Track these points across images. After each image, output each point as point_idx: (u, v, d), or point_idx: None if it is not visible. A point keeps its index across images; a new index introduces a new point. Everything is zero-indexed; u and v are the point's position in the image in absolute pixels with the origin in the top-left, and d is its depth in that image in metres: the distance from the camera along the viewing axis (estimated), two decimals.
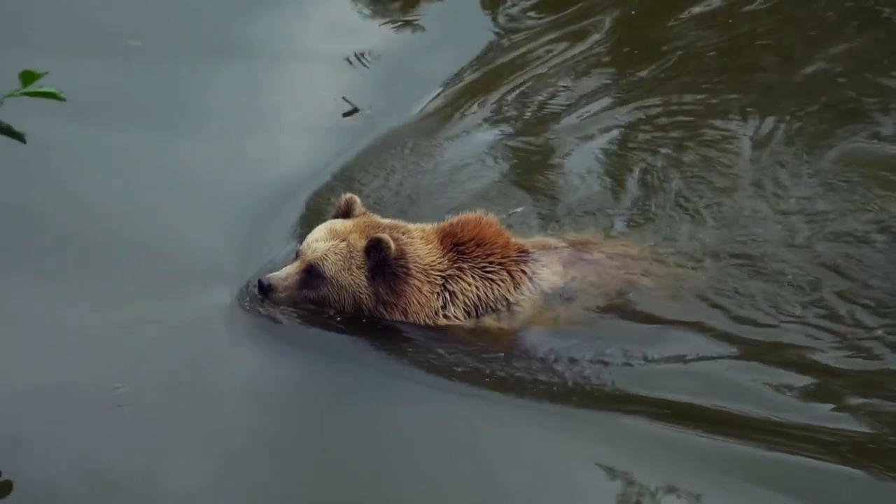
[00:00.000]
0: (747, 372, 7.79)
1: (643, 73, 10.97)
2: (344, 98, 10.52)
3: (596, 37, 11.55)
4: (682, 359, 7.90)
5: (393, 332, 8.03)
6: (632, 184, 9.48)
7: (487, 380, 7.71)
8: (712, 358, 7.91)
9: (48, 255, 8.51)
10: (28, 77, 5.99)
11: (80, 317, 8.05)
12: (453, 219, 8.31)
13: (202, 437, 7.31)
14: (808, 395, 7.64)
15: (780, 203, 9.17)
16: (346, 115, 10.45)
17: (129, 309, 8.11)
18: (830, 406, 7.54)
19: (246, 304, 8.15)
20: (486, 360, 7.87)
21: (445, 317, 8.07)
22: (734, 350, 7.97)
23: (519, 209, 9.18)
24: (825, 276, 8.46)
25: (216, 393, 7.63)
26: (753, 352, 7.95)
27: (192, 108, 10.23)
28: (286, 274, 8.01)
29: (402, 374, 7.82)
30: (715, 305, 8.27)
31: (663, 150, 9.83)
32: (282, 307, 8.06)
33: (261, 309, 8.07)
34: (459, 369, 7.79)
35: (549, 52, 11.37)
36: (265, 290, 7.97)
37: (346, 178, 9.51)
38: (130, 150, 9.59)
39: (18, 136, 6.12)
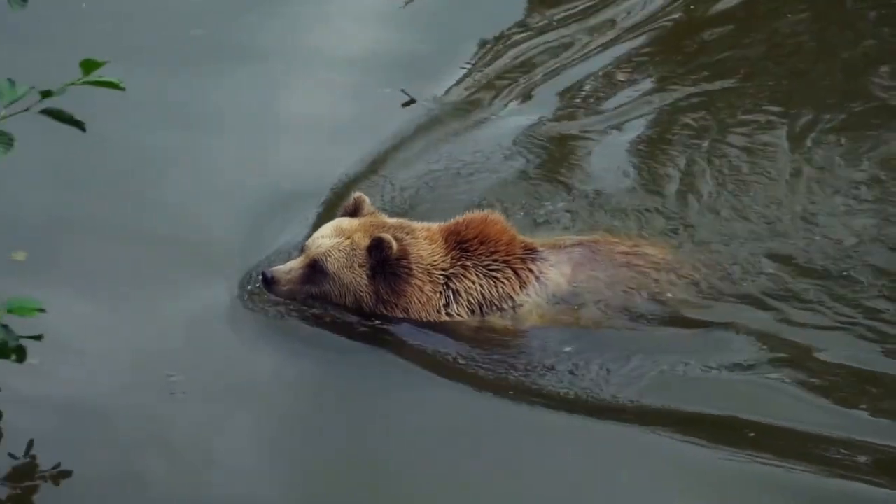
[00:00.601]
0: (782, 381, 7.63)
1: (685, 65, 10.82)
2: (402, 90, 10.51)
3: (636, 21, 11.42)
4: (708, 367, 7.74)
5: (410, 329, 8.07)
6: (668, 181, 9.33)
7: (498, 380, 7.71)
8: (741, 367, 7.74)
9: (79, 249, 8.64)
10: (89, 65, 6.01)
11: (119, 309, 8.19)
12: (459, 217, 8.28)
13: (243, 424, 7.45)
14: (853, 403, 7.46)
15: (823, 203, 8.99)
16: (405, 105, 10.43)
17: (164, 301, 8.24)
18: (867, 414, 7.37)
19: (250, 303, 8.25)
20: (499, 361, 7.84)
21: (448, 314, 8.06)
22: (768, 358, 7.79)
23: (561, 204, 9.10)
24: (873, 277, 8.28)
25: (251, 381, 7.76)
26: (787, 359, 7.78)
27: (211, 108, 10.21)
28: (289, 268, 8.09)
29: (419, 368, 7.88)
30: (754, 309, 8.11)
31: (703, 146, 9.67)
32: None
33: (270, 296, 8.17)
34: (472, 367, 7.81)
35: (586, 38, 11.27)
36: (268, 282, 8.05)
37: (372, 171, 9.55)
38: (161, 149, 9.63)
39: (79, 125, 6.15)
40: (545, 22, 11.53)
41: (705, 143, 9.70)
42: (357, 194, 8.33)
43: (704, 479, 7.02)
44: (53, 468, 6.86)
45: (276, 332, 8.09)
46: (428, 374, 7.80)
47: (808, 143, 9.62)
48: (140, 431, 7.27)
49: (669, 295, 8.11)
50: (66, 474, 6.85)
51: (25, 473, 6.83)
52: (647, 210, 9.00)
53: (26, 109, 6.05)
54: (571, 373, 7.72)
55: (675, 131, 9.93)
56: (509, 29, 11.46)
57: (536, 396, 7.58)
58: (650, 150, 9.74)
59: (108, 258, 8.57)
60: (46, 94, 6.01)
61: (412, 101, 10.46)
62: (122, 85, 6.06)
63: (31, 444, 6.95)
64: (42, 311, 6.08)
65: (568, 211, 9.02)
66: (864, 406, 7.44)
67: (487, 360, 7.84)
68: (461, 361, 7.84)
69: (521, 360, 7.85)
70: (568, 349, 7.89)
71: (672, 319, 8.07)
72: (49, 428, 7.13)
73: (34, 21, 9.93)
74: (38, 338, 6.23)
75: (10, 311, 6.05)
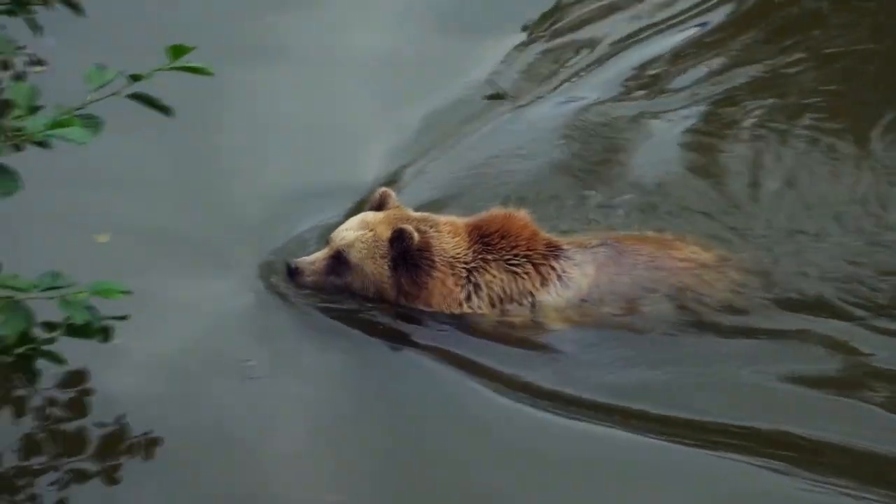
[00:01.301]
0: (813, 394, 7.47)
1: (754, 50, 10.70)
2: (488, 83, 10.51)
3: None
4: (748, 377, 7.59)
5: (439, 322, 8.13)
6: (727, 175, 9.21)
7: (521, 378, 7.71)
8: (790, 378, 7.55)
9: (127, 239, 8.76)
10: (177, 51, 6.03)
11: (183, 295, 8.34)
12: (483, 213, 8.32)
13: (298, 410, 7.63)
14: None
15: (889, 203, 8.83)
16: (487, 98, 10.45)
17: (224, 289, 8.41)
18: None
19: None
20: (522, 359, 7.85)
21: (470, 308, 8.10)
22: (816, 368, 7.61)
23: (626, 196, 9.05)
24: None
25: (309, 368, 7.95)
26: (840, 370, 7.60)
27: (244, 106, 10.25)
28: (314, 259, 8.20)
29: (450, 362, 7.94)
30: (804, 315, 7.93)
31: (769, 138, 9.51)
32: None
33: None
34: (494, 363, 7.83)
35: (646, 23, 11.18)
36: (292, 273, 8.16)
37: (409, 164, 9.65)
38: (198, 148, 9.72)
39: (165, 110, 6.18)
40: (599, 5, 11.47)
41: (771, 135, 9.56)
42: (382, 189, 8.41)
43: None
44: (143, 435, 7.08)
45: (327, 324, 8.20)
46: (452, 368, 7.83)
47: (875, 140, 9.40)
48: (219, 412, 7.45)
49: (705, 298, 8.03)
50: (156, 441, 7.06)
51: (115, 446, 7.03)
52: (703, 212, 8.90)
53: (114, 94, 6.08)
54: (594, 375, 7.70)
55: (739, 119, 9.80)
56: (566, 10, 11.44)
57: (563, 402, 7.53)
58: (709, 139, 9.63)
59: (175, 247, 8.72)
60: (136, 77, 6.04)
61: (499, 95, 10.45)
62: (210, 70, 6.08)
63: (120, 418, 7.15)
64: (127, 293, 6.12)
65: (619, 206, 9.00)
66: None
67: (510, 357, 7.86)
68: (484, 356, 7.86)
69: (546, 362, 7.83)
70: (593, 352, 7.89)
71: (708, 325, 7.96)
72: (133, 406, 7.30)
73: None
74: (124, 318, 6.28)
75: (95, 293, 6.10)
